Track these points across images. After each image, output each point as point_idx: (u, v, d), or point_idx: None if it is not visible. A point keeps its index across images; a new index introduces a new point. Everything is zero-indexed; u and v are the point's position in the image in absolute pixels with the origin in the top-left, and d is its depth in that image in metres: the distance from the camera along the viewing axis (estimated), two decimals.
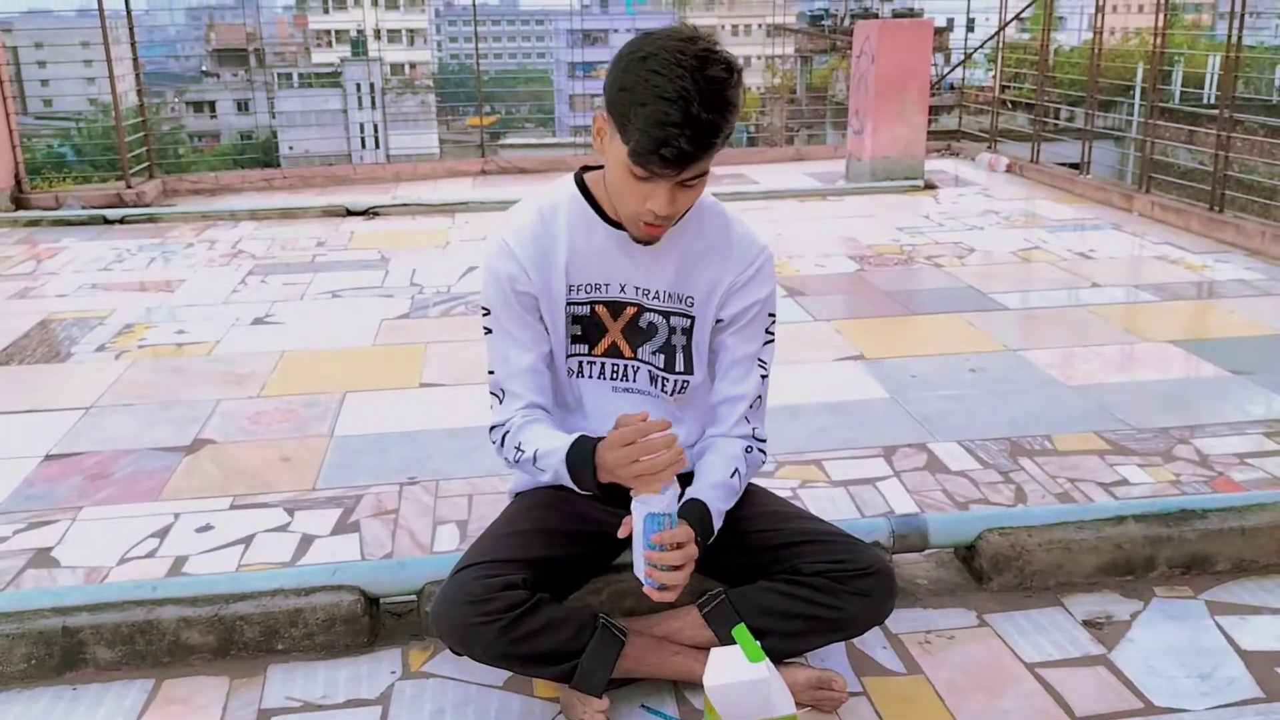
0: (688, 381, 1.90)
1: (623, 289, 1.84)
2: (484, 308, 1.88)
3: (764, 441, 1.95)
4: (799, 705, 1.84)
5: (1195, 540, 2.30)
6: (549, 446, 1.78)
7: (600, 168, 1.83)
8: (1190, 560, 2.30)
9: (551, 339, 1.88)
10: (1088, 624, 2.14)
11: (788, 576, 1.84)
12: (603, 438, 1.71)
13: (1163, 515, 2.34)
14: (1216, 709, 1.87)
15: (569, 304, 1.85)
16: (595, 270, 1.83)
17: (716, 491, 1.83)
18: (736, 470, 1.87)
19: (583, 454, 1.73)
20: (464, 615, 1.73)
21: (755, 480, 2.02)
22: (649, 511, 1.65)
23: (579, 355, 1.89)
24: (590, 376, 1.90)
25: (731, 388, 1.91)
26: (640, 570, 1.70)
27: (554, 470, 1.77)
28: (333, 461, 2.93)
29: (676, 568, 1.68)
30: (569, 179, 1.87)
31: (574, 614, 1.83)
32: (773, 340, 1.92)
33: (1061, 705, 1.89)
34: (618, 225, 1.80)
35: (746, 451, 1.91)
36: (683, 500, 1.78)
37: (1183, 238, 5.60)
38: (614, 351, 1.88)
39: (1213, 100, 11.19)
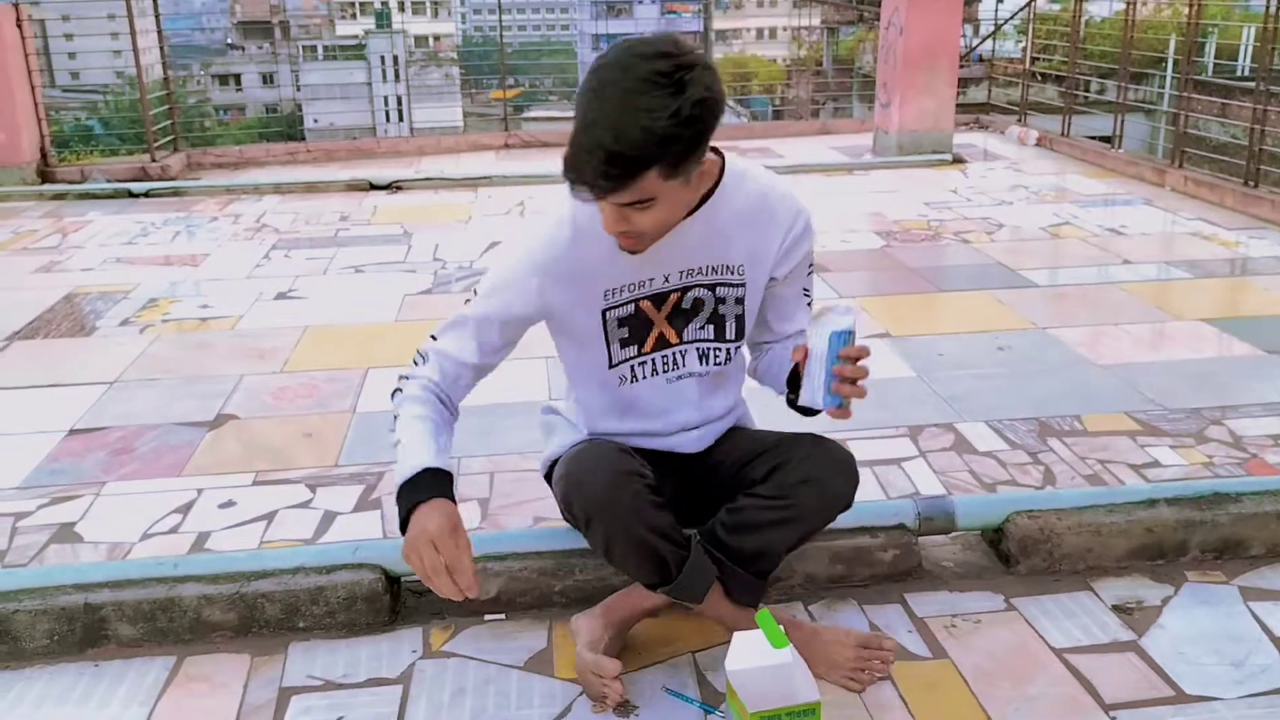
0: (738, 347, 1.90)
1: (666, 279, 1.80)
2: (477, 289, 1.81)
3: None
4: (843, 668, 1.86)
5: (1228, 524, 2.25)
6: (403, 451, 1.70)
7: None
8: (1223, 545, 2.26)
9: (587, 350, 1.85)
10: (1117, 609, 2.10)
11: (744, 492, 1.86)
12: (434, 494, 1.64)
13: (1195, 498, 2.30)
14: (1249, 697, 1.84)
15: (610, 309, 1.81)
16: (633, 270, 1.77)
17: None
18: None
19: (410, 494, 1.66)
20: (618, 464, 1.74)
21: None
22: (834, 330, 1.66)
23: (630, 360, 1.85)
24: (645, 378, 1.88)
25: (789, 326, 1.94)
26: (819, 393, 1.69)
27: (398, 469, 1.71)
28: (355, 438, 2.92)
29: (857, 381, 1.69)
30: None
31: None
32: (812, 270, 1.93)
33: (1090, 692, 1.86)
34: None
35: None
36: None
37: (1216, 213, 5.50)
38: (661, 343, 1.85)
39: (1248, 72, 10.99)
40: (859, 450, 2.75)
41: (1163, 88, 9.70)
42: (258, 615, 2.07)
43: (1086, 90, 8.04)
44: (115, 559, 2.30)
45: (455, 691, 1.91)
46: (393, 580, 2.14)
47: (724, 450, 1.97)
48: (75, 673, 1.99)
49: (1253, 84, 6.17)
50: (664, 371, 1.88)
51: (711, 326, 1.86)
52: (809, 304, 1.95)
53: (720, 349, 1.88)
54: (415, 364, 1.82)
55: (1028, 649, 1.99)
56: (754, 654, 1.62)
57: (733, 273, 1.83)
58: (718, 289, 1.83)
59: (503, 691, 1.90)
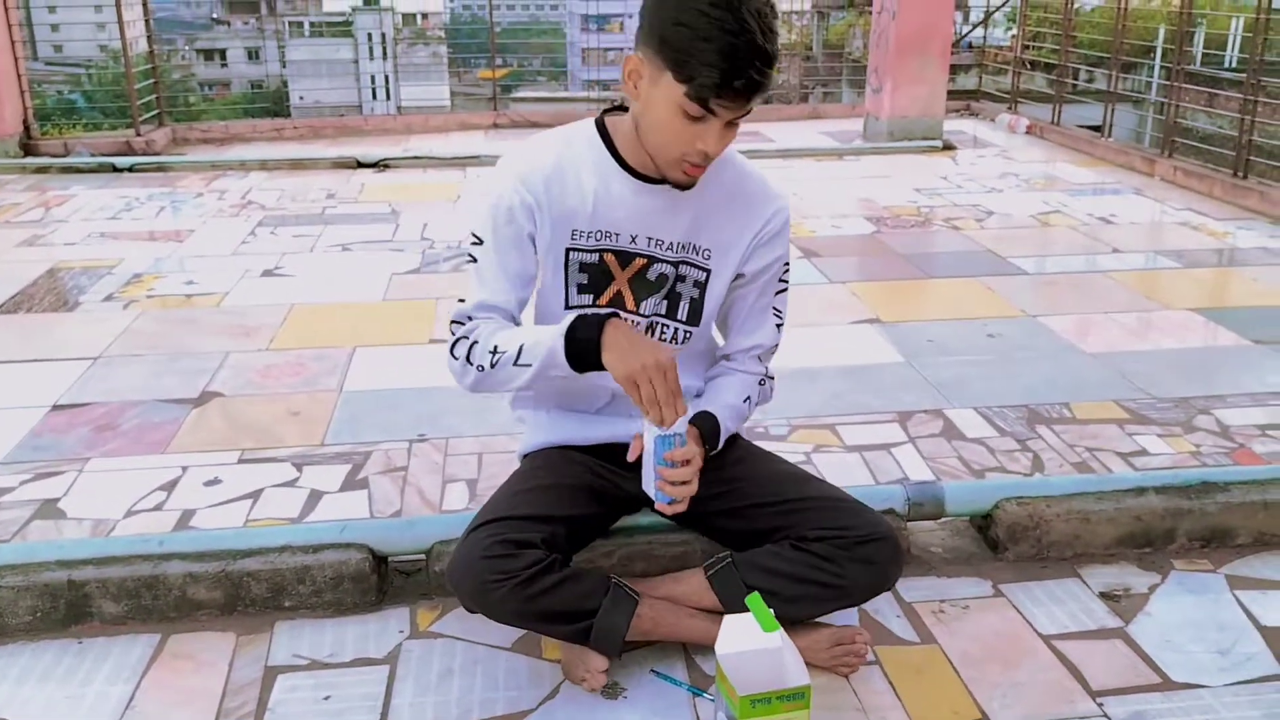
0: (690, 333, 1.87)
1: (634, 240, 1.80)
2: (476, 236, 1.80)
3: (774, 379, 2.00)
4: (819, 666, 1.84)
5: (1216, 513, 2.26)
6: (536, 336, 1.71)
7: (622, 109, 1.78)
8: (1210, 533, 2.27)
9: (551, 287, 1.83)
10: (1105, 596, 2.11)
11: (792, 541, 1.82)
12: (609, 315, 1.71)
13: (1183, 487, 2.31)
14: (1235, 685, 1.84)
15: (574, 249, 1.80)
16: (607, 218, 1.78)
17: (727, 411, 1.88)
18: (749, 398, 1.92)
19: (588, 330, 1.66)
20: (481, 573, 1.71)
21: (763, 443, 2.00)
22: (659, 434, 1.71)
23: (583, 308, 1.84)
24: None
25: (747, 339, 1.92)
26: (651, 487, 1.77)
27: (544, 355, 1.69)
28: (342, 417, 2.90)
29: (685, 483, 1.74)
30: (588, 122, 1.82)
31: (586, 574, 1.82)
32: (786, 288, 1.91)
33: (1077, 678, 1.86)
34: (634, 173, 1.76)
35: (760, 384, 1.95)
36: (693, 414, 1.83)
37: (1205, 204, 5.51)
38: (618, 301, 1.84)
39: (1235, 63, 11.01)
40: (848, 435, 2.75)
41: (1151, 77, 9.71)
42: (243, 594, 2.05)
43: (1076, 79, 8.03)
44: (99, 536, 2.28)
45: (443, 672, 1.90)
46: (380, 560, 2.12)
47: (740, 468, 1.93)
48: (59, 649, 1.97)
49: (1242, 75, 6.18)
50: None
51: (665, 303, 1.85)
52: (779, 325, 1.92)
53: (669, 326, 1.86)
54: (457, 330, 1.79)
55: (1015, 635, 1.99)
56: (744, 637, 1.62)
57: (699, 254, 1.82)
58: (681, 267, 1.83)
59: (490, 673, 1.89)
